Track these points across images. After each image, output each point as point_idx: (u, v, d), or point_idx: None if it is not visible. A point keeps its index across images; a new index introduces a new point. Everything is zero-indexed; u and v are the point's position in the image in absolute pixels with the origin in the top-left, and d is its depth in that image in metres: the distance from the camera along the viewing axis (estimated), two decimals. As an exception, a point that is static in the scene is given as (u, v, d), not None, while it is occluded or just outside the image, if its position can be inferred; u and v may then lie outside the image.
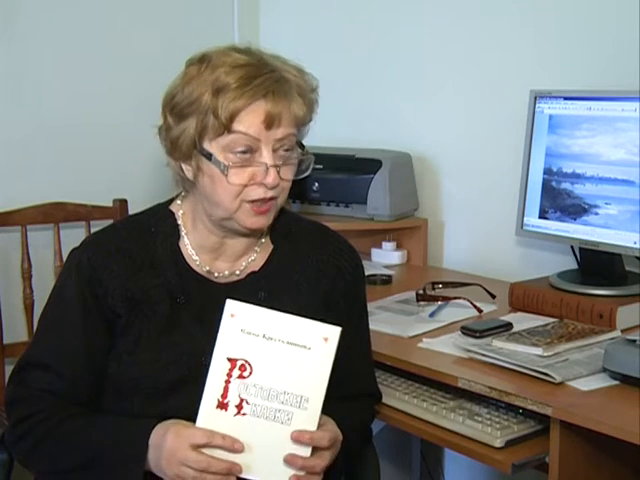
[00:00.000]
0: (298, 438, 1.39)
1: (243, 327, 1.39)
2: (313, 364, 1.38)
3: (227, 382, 1.38)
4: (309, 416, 1.39)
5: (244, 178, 1.48)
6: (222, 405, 1.38)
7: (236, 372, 1.38)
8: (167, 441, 1.39)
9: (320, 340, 1.38)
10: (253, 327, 1.39)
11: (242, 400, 1.38)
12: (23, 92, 2.62)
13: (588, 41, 2.29)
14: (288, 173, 1.52)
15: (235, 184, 1.48)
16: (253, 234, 1.58)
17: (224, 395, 1.38)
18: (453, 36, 2.59)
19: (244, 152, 1.47)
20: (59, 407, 1.51)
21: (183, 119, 1.49)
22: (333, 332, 1.39)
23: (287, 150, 1.51)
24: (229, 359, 1.38)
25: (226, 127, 1.45)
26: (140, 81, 2.77)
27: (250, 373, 1.38)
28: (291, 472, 1.40)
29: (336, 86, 2.68)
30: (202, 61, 1.50)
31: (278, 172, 1.49)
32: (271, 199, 1.51)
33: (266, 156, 1.48)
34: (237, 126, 1.46)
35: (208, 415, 1.38)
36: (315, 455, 1.42)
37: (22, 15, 2.58)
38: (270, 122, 1.46)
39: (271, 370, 1.38)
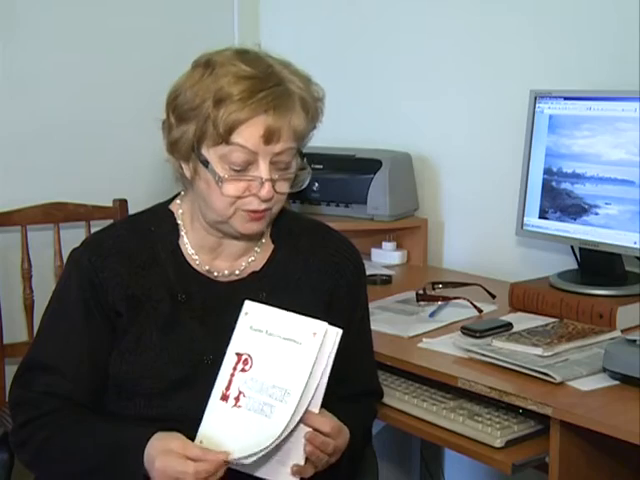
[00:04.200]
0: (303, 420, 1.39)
1: (252, 324, 1.43)
2: (299, 358, 1.40)
3: (232, 375, 1.42)
4: (288, 409, 1.39)
5: (239, 190, 1.47)
6: (224, 397, 1.41)
7: (240, 366, 1.42)
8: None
9: (309, 335, 1.40)
10: (260, 324, 1.43)
11: (240, 393, 1.41)
12: (23, 92, 2.61)
13: (588, 41, 2.29)
14: (284, 186, 1.51)
15: (229, 195, 1.47)
16: (248, 239, 1.58)
17: (227, 387, 1.42)
18: (453, 36, 2.59)
19: (241, 164, 1.46)
20: (62, 410, 1.50)
21: (184, 122, 1.48)
22: (320, 327, 1.40)
23: (285, 162, 1.49)
24: (237, 354, 1.43)
25: (224, 139, 1.44)
26: (140, 81, 2.77)
27: (250, 367, 1.41)
28: (275, 467, 1.40)
29: (336, 86, 2.64)
30: (207, 66, 1.48)
31: (273, 186, 1.47)
32: (265, 210, 1.51)
33: (262, 170, 1.46)
34: (236, 138, 1.44)
35: (212, 407, 1.42)
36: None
37: (22, 15, 2.58)
38: (269, 137, 1.44)
39: (267, 364, 1.41)
